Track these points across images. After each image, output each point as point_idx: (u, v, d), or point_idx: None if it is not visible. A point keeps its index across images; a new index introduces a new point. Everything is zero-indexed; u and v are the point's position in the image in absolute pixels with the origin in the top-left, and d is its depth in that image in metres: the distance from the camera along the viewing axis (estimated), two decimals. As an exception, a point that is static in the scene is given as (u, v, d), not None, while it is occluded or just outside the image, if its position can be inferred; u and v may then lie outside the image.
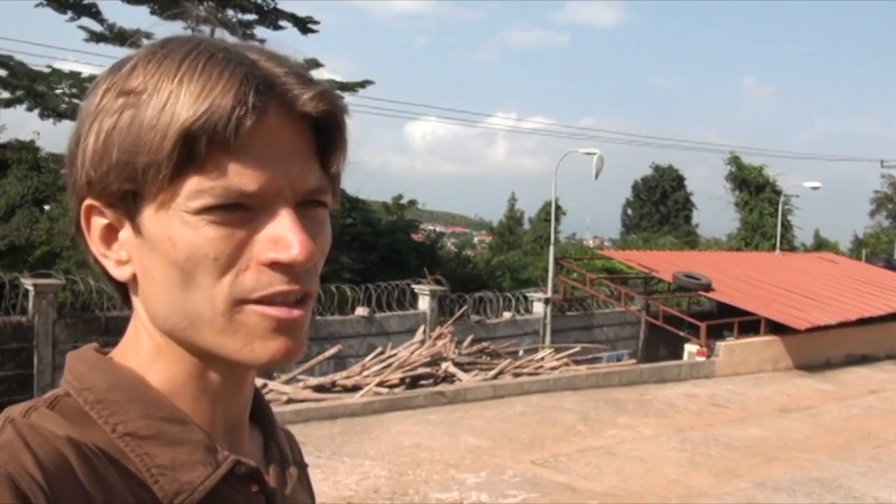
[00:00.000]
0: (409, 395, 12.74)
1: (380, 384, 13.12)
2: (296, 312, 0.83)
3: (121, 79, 0.82)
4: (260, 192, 0.80)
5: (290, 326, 0.83)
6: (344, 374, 13.85)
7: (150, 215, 0.81)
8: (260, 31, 29.47)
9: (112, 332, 14.39)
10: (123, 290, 0.90)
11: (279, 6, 29.26)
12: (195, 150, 0.78)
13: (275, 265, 0.81)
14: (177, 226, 0.80)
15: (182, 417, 0.86)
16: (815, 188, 34.30)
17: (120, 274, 0.86)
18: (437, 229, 60.97)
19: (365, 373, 13.89)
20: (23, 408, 0.82)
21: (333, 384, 13.42)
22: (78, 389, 0.85)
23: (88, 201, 0.85)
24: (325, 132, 0.86)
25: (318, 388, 13.18)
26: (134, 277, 0.86)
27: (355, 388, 13.08)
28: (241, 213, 0.81)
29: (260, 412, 1.01)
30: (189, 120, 0.77)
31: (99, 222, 0.85)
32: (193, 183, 0.79)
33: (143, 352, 0.87)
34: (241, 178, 0.79)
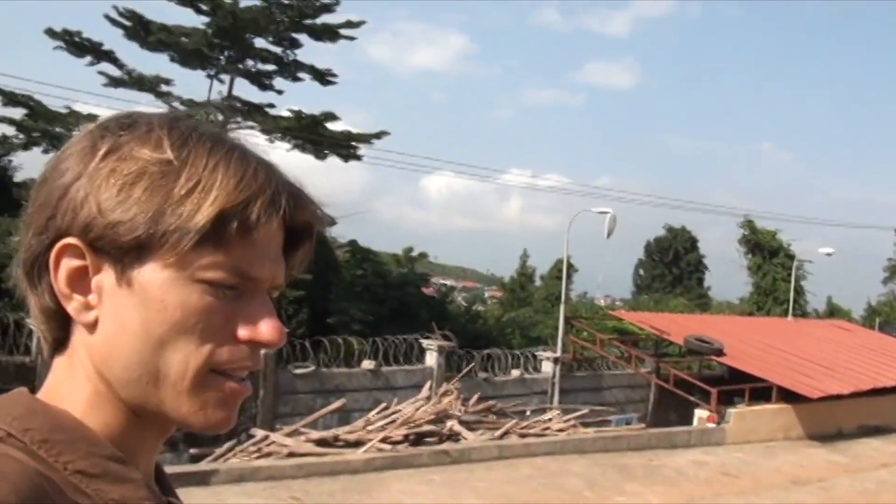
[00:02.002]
0: (412, 453, 12.47)
1: (383, 440, 12.87)
2: (244, 389, 0.92)
3: (135, 142, 0.87)
4: (257, 279, 0.89)
5: (236, 400, 0.91)
6: (347, 428, 13.62)
7: (149, 272, 0.85)
8: (279, 83, 29.69)
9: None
10: (59, 334, 0.91)
11: (299, 58, 29.45)
12: (225, 230, 0.85)
13: (250, 343, 0.89)
14: (175, 289, 0.85)
15: (121, 457, 0.88)
16: (828, 254, 34.15)
17: (83, 318, 0.88)
18: (448, 283, 60.83)
19: (369, 428, 13.67)
20: None
21: (336, 439, 13.18)
22: (20, 430, 0.84)
23: (69, 240, 0.86)
24: (297, 239, 0.96)
25: (321, 443, 12.94)
26: (95, 323, 0.88)
27: (358, 444, 12.84)
28: (231, 292, 0.88)
29: (157, 471, 1.02)
30: (229, 203, 0.85)
31: (72, 263, 0.87)
32: (210, 257, 0.86)
33: (79, 397, 0.89)
34: (252, 264, 0.88)
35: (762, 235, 40.06)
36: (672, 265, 54.80)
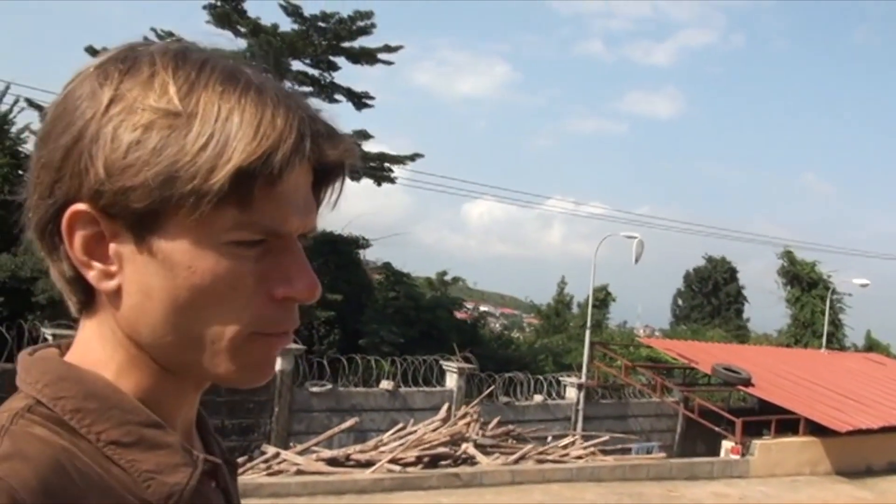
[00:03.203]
0: (422, 475, 12.33)
1: (395, 461, 12.74)
2: (286, 342, 0.89)
3: (138, 90, 0.81)
4: (287, 232, 0.84)
5: (276, 353, 0.89)
6: (358, 448, 13.50)
7: (170, 238, 0.81)
8: (315, 103, 29.80)
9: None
10: (84, 297, 0.88)
11: (336, 81, 29.62)
12: (246, 187, 0.79)
13: (286, 300, 0.85)
14: (201, 254, 0.81)
15: (157, 421, 0.86)
16: (863, 285, 33.64)
17: (105, 285, 0.84)
18: (487, 309, 60.58)
19: (381, 448, 13.54)
20: (5, 417, 0.80)
21: (348, 458, 13.08)
22: (51, 398, 0.83)
23: (80, 207, 0.81)
24: (328, 176, 0.90)
25: (332, 462, 12.86)
26: (118, 290, 0.84)
27: (369, 464, 12.73)
28: (261, 247, 0.83)
29: (199, 423, 1.01)
30: (247, 160, 0.78)
31: (86, 230, 0.83)
32: (233, 217, 0.80)
33: (111, 360, 0.87)
34: (279, 219, 0.83)
35: (801, 267, 39.57)
36: (711, 295, 54.09)
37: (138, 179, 0.79)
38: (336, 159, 0.87)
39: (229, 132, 0.79)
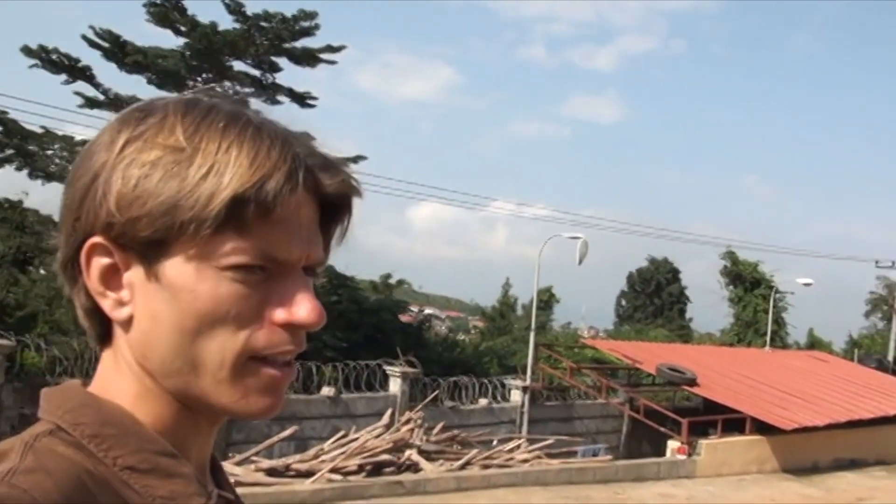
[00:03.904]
0: (364, 484, 12.00)
1: (336, 470, 12.40)
2: (288, 374, 0.90)
3: (150, 132, 0.86)
4: (286, 259, 0.87)
5: (280, 385, 0.90)
6: (299, 457, 13.14)
7: (174, 265, 0.85)
8: (256, 104, 29.34)
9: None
10: (101, 329, 0.92)
11: (278, 81, 29.19)
12: (242, 213, 0.83)
13: (287, 326, 0.87)
14: (202, 279, 0.85)
15: (173, 452, 0.88)
16: (807, 284, 34.03)
17: (118, 314, 0.88)
18: (432, 312, 60.33)
19: (322, 457, 13.19)
20: (29, 438, 0.84)
21: (287, 468, 12.71)
22: (71, 424, 0.85)
23: (97, 240, 0.87)
24: (333, 209, 0.93)
25: (271, 472, 12.48)
26: (130, 319, 0.88)
27: (310, 473, 12.38)
28: (261, 274, 0.86)
29: (212, 464, 1.01)
30: (243, 186, 0.83)
31: (101, 261, 0.88)
32: (232, 242, 0.84)
33: (128, 390, 0.90)
34: (276, 244, 0.86)
35: (743, 267, 39.94)
36: (654, 296, 54.50)
37: (145, 209, 0.83)
38: (335, 191, 0.90)
39: (227, 163, 0.83)
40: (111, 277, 0.88)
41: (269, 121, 0.89)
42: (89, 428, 0.85)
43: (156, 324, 0.86)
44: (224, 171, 0.83)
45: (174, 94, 0.93)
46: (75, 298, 0.92)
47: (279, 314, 0.87)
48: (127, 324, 0.89)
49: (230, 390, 0.87)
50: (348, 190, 0.92)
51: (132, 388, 0.90)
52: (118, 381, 0.90)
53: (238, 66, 28.50)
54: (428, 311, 58.76)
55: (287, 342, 0.87)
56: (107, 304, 0.88)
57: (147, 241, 0.85)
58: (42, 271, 24.64)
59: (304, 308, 0.87)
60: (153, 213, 0.83)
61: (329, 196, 0.91)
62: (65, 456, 0.82)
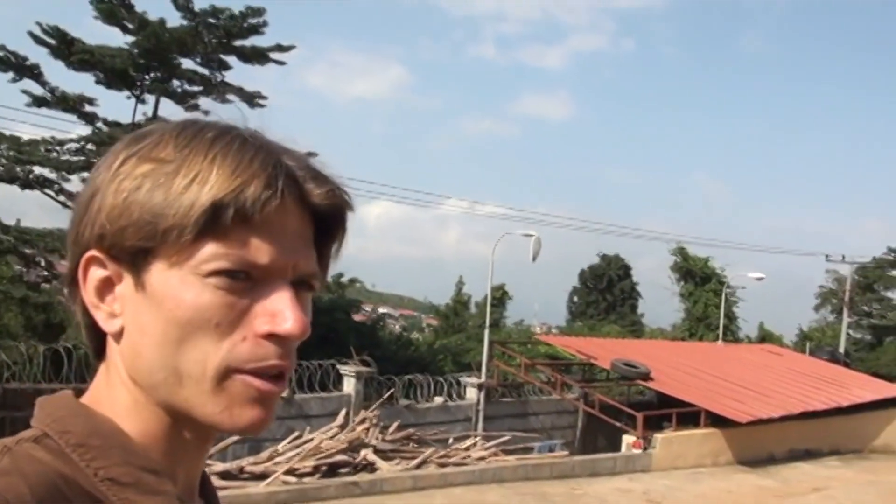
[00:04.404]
0: (319, 486, 11.80)
1: (291, 472, 12.19)
2: (276, 387, 0.87)
3: (146, 148, 0.88)
4: (269, 267, 0.86)
5: (267, 398, 0.87)
6: (252, 459, 12.90)
7: (158, 273, 0.86)
8: (205, 103, 28.97)
9: (9, 405, 13.50)
10: (97, 343, 0.93)
11: (227, 80, 28.82)
12: (221, 219, 0.83)
13: (270, 337, 0.85)
14: (185, 286, 0.85)
15: (156, 468, 0.87)
16: (759, 279, 34.37)
17: (110, 326, 0.89)
18: (386, 311, 60.13)
19: (276, 459, 12.99)
20: (10, 441, 0.83)
21: (241, 471, 12.49)
22: (58, 432, 0.85)
23: (92, 252, 0.88)
24: (326, 224, 0.93)
25: (225, 475, 12.25)
26: (122, 331, 0.88)
27: (264, 476, 12.17)
28: (245, 283, 0.85)
29: (203, 482, 1.00)
30: (221, 192, 0.83)
31: (97, 274, 0.89)
32: (211, 248, 0.84)
33: (119, 403, 0.89)
34: (256, 250, 0.85)
35: (693, 262, 40.32)
36: (606, 292, 54.76)
37: (132, 219, 0.85)
38: (325, 202, 0.90)
39: (211, 172, 0.84)
40: (105, 290, 0.89)
41: (260, 136, 0.91)
42: (75, 437, 0.85)
43: (143, 334, 0.87)
44: (206, 180, 0.84)
45: (178, 118, 0.95)
46: (77, 314, 0.93)
47: (262, 325, 0.85)
48: (119, 336, 0.89)
49: (214, 402, 0.85)
50: (338, 202, 0.92)
51: (123, 401, 0.89)
52: (110, 393, 0.90)
53: (187, 64, 28.10)
54: (382, 310, 58.55)
55: (273, 356, 0.86)
56: (100, 315, 0.89)
57: (134, 250, 0.86)
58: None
59: (287, 319, 0.85)
60: (139, 222, 0.85)
61: (320, 208, 0.91)
62: (42, 461, 0.81)
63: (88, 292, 0.89)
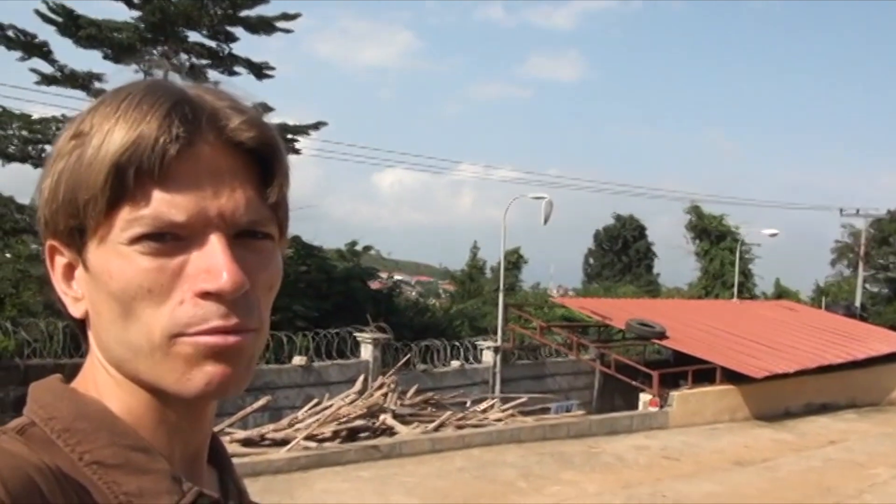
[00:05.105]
0: (339, 450, 11.93)
1: (312, 438, 12.33)
2: (231, 339, 0.83)
3: (75, 124, 0.86)
4: (188, 222, 0.82)
5: (227, 353, 0.83)
6: (273, 426, 13.04)
7: (93, 250, 0.84)
8: (213, 76, 28.96)
9: (31, 382, 13.66)
10: (82, 328, 0.91)
11: (235, 52, 28.80)
12: (125, 181, 0.80)
13: (206, 296, 0.82)
14: (113, 258, 0.82)
15: (147, 447, 0.86)
16: (772, 235, 34.25)
17: (75, 310, 0.89)
18: (402, 279, 60.23)
19: (297, 425, 13.12)
20: None
21: (262, 437, 12.63)
22: (44, 419, 0.85)
23: (49, 241, 0.88)
24: (262, 162, 0.87)
25: (246, 442, 12.39)
26: (86, 314, 0.88)
27: (285, 442, 12.29)
28: (174, 243, 0.82)
29: (215, 451, 0.99)
30: (118, 153, 0.80)
31: (60, 261, 0.89)
32: (125, 214, 0.81)
33: (102, 384, 0.88)
34: (170, 206, 0.81)
35: (708, 220, 40.20)
36: (621, 253, 54.68)
37: (59, 200, 0.84)
38: (242, 137, 0.84)
39: (112, 135, 0.81)
40: (68, 276, 0.89)
41: (172, 84, 0.86)
42: (60, 422, 0.85)
43: (98, 315, 0.86)
44: (110, 143, 0.81)
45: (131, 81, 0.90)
46: (57, 302, 0.92)
47: (196, 283, 0.82)
48: (85, 319, 0.89)
49: (169, 371, 0.83)
50: (258, 133, 0.85)
51: (105, 382, 0.89)
52: (94, 375, 0.90)
53: (194, 37, 28.07)
54: (397, 277, 58.66)
55: (214, 316, 0.82)
56: (67, 301, 0.89)
57: (69, 232, 0.85)
58: (7, 254, 24.28)
59: (218, 275, 0.81)
60: (65, 202, 0.83)
61: (246, 145, 0.85)
62: (17, 455, 0.78)
63: (56, 280, 0.89)
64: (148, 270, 0.81)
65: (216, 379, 0.83)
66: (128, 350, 0.84)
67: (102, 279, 0.83)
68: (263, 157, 0.86)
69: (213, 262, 0.81)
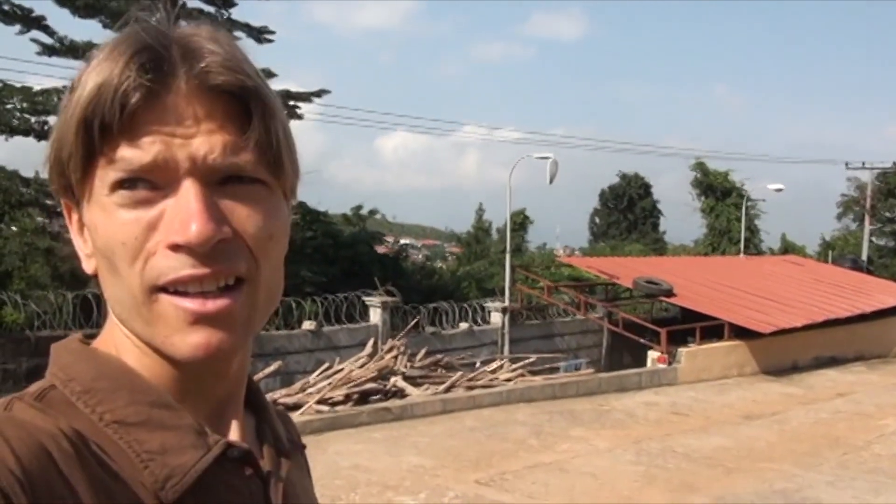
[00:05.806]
0: (351, 413, 12.04)
1: (324, 401, 12.44)
2: (211, 304, 0.81)
3: (72, 84, 0.84)
4: (156, 164, 0.80)
5: (210, 318, 0.81)
6: (285, 391, 13.16)
7: (85, 206, 0.84)
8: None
9: (42, 353, 13.79)
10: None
11: (234, 17, 28.67)
12: (91, 133, 0.79)
13: (177, 248, 0.80)
14: (98, 213, 0.82)
15: (169, 402, 0.85)
16: (778, 190, 34.19)
17: (87, 266, 0.88)
18: (408, 242, 60.26)
19: (308, 390, 13.23)
20: (5, 401, 0.82)
21: (275, 403, 12.66)
22: (63, 381, 0.85)
23: (64, 201, 0.88)
24: (241, 103, 0.83)
25: (258, 408, 12.50)
26: (96, 271, 0.87)
27: (297, 406, 12.40)
28: (148, 192, 0.80)
29: (251, 394, 0.98)
30: (85, 106, 0.79)
31: (74, 218, 0.88)
32: (102, 164, 0.80)
33: (120, 342, 0.87)
34: (137, 149, 0.79)
35: (714, 177, 40.10)
36: (627, 211, 54.70)
37: (53, 158, 0.84)
38: (215, 78, 0.80)
39: (85, 88, 0.80)
40: (81, 233, 0.88)
41: (152, 29, 0.82)
42: (80, 384, 0.84)
43: (99, 272, 0.86)
44: (80, 97, 0.80)
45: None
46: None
47: (167, 236, 0.79)
48: (97, 276, 0.88)
49: (154, 330, 0.82)
50: (229, 75, 0.81)
51: (122, 340, 0.87)
52: (112, 333, 0.89)
53: (192, 3, 27.94)
54: (404, 241, 58.70)
55: (186, 265, 0.79)
56: (82, 258, 0.89)
57: (64, 190, 0.85)
58: (14, 228, 24.33)
59: (184, 227, 0.78)
60: (55, 161, 0.84)
61: (222, 87, 0.81)
62: (29, 423, 0.77)
63: (74, 237, 0.89)
64: (125, 223, 0.80)
65: (202, 346, 0.81)
66: (122, 308, 0.84)
67: (94, 236, 0.84)
68: (242, 98, 0.82)
69: (184, 212, 0.79)
